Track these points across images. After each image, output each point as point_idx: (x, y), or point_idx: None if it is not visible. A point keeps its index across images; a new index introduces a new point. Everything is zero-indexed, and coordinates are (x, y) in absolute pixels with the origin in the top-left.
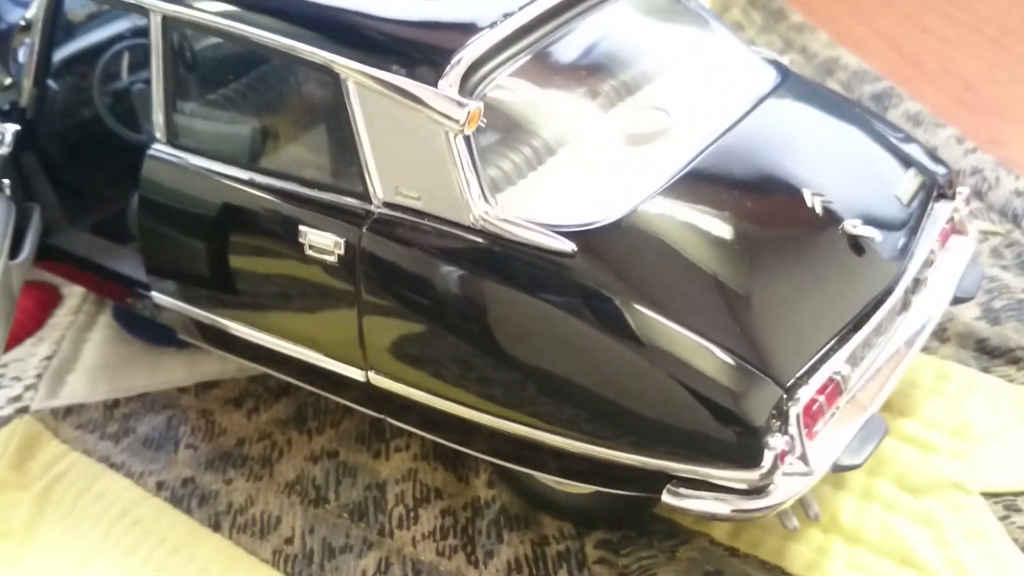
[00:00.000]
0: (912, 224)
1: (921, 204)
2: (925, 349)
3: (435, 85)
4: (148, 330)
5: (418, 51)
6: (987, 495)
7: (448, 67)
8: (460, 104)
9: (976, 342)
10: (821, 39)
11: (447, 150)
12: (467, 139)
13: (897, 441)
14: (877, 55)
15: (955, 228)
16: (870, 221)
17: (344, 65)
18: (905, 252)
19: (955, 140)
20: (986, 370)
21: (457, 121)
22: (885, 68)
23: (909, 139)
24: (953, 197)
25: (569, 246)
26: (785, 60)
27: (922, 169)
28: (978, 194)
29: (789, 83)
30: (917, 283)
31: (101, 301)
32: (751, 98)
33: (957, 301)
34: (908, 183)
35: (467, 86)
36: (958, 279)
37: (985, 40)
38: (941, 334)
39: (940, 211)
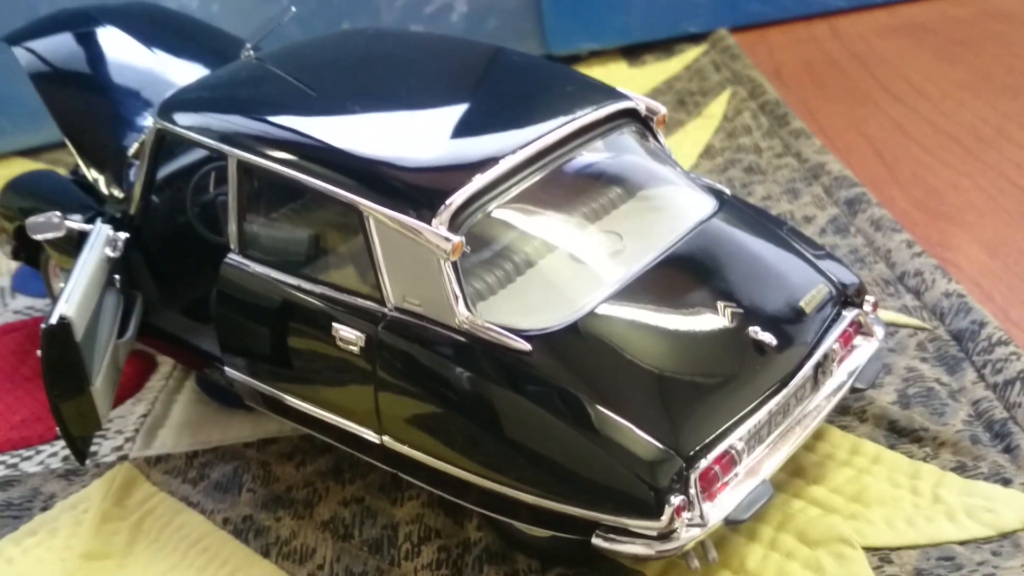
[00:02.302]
0: (813, 328)
1: (826, 311)
2: (845, 427)
3: (429, 223)
4: (223, 395)
5: (420, 195)
6: (868, 549)
7: (441, 209)
8: (447, 239)
9: (888, 422)
10: (814, 145)
11: (439, 271)
12: (453, 263)
13: (805, 502)
14: (861, 160)
15: (860, 330)
16: (770, 327)
17: (365, 205)
18: (802, 352)
19: (906, 244)
20: (892, 447)
21: (445, 251)
22: (864, 173)
23: (827, 256)
24: (861, 304)
25: (526, 346)
26: (782, 163)
27: (831, 281)
28: (917, 294)
29: (724, 209)
30: (821, 374)
31: (186, 369)
32: (691, 223)
33: (855, 390)
34: (814, 294)
35: (456, 222)
36: (857, 373)
37: (960, 148)
38: (861, 414)
39: (846, 316)
